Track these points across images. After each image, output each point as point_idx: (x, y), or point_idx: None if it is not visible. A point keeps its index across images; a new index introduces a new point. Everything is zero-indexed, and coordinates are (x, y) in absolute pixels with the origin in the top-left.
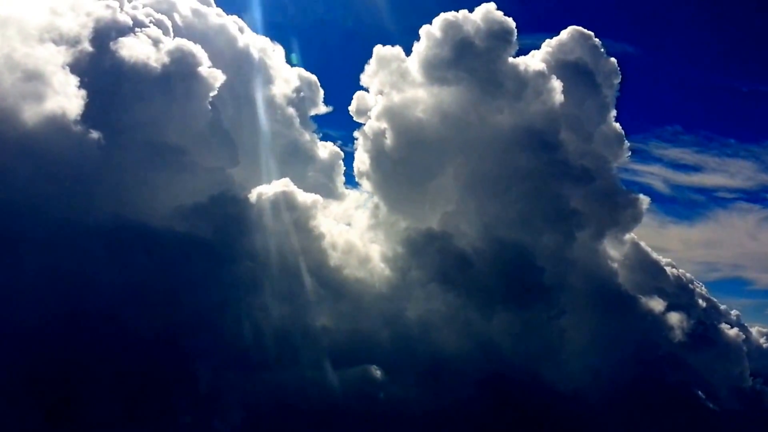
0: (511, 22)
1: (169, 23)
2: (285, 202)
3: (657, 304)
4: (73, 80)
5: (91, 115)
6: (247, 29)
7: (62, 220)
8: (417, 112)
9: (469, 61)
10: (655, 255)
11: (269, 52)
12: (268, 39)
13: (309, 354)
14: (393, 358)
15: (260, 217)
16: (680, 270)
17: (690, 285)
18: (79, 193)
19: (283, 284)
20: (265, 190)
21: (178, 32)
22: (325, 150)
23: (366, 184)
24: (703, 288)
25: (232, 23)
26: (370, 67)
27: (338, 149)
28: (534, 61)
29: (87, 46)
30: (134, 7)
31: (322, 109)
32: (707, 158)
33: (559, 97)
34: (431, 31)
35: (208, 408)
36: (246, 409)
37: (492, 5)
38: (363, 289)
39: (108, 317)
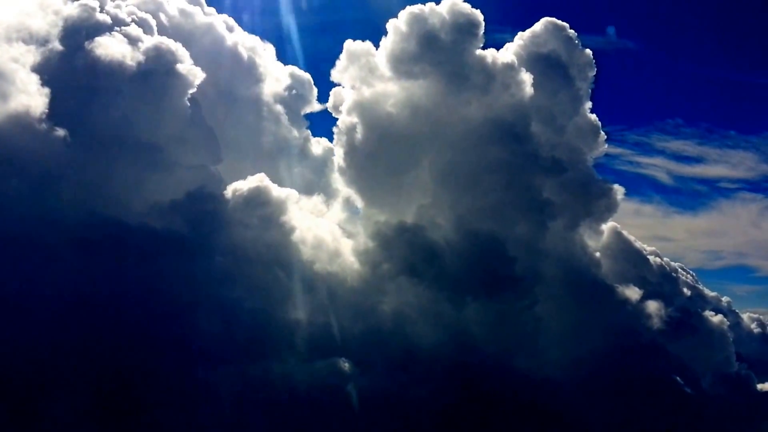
0: (477, 15)
1: (153, 22)
2: (259, 197)
3: (633, 293)
4: (35, 78)
5: (57, 113)
6: (237, 28)
7: (31, 217)
8: (387, 106)
9: (434, 55)
10: (638, 244)
11: (259, 50)
12: (258, 38)
13: (280, 348)
14: (364, 351)
15: (234, 212)
16: (665, 259)
17: (674, 274)
18: (47, 191)
19: (255, 279)
20: (240, 186)
21: (164, 31)
22: (319, 146)
23: (340, 179)
24: (689, 276)
25: (220, 22)
26: (341, 63)
27: (332, 145)
28: (503, 54)
29: (57, 45)
30: (117, 6)
31: (316, 106)
32: (709, 150)
33: (528, 89)
34: (397, 24)
35: (178, 402)
36: (214, 403)
37: None
38: (335, 283)
39: (78, 313)
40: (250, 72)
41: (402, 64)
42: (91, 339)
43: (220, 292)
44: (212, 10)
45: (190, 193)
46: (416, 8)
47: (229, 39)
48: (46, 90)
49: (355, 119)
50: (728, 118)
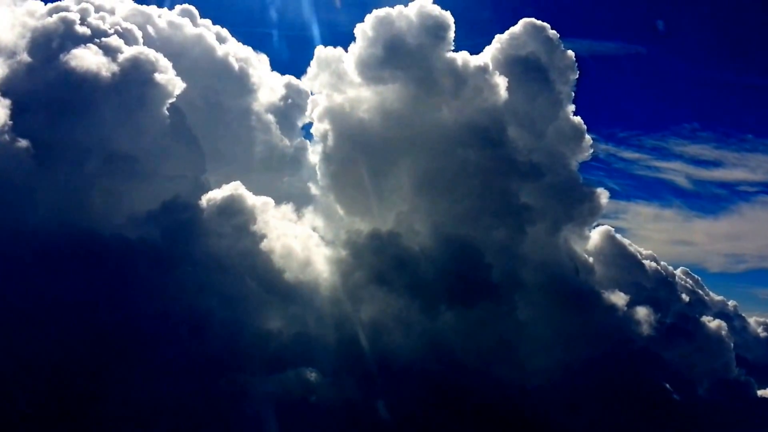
0: (447, 17)
1: (139, 33)
2: (233, 205)
3: (619, 299)
4: None
5: (22, 124)
6: (231, 39)
7: None
8: (359, 112)
9: (401, 59)
10: (632, 249)
11: (253, 61)
12: (250, 48)
13: (248, 359)
14: (335, 361)
15: (208, 221)
16: (662, 263)
17: (670, 278)
18: (12, 202)
19: (227, 288)
20: (214, 195)
21: (151, 42)
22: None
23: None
24: (689, 281)
25: (211, 34)
26: (311, 70)
27: None
28: (476, 57)
29: (25, 57)
30: (100, 18)
31: None
32: (726, 153)
33: (503, 93)
34: (364, 29)
35: (143, 415)
36: (177, 416)
37: None
38: (309, 292)
39: (44, 323)
40: (240, 82)
41: (370, 70)
42: (58, 350)
43: (192, 302)
44: (207, 21)
45: (165, 203)
46: (383, 11)
47: (220, 50)
48: (7, 102)
49: (327, 126)
50: (744, 121)
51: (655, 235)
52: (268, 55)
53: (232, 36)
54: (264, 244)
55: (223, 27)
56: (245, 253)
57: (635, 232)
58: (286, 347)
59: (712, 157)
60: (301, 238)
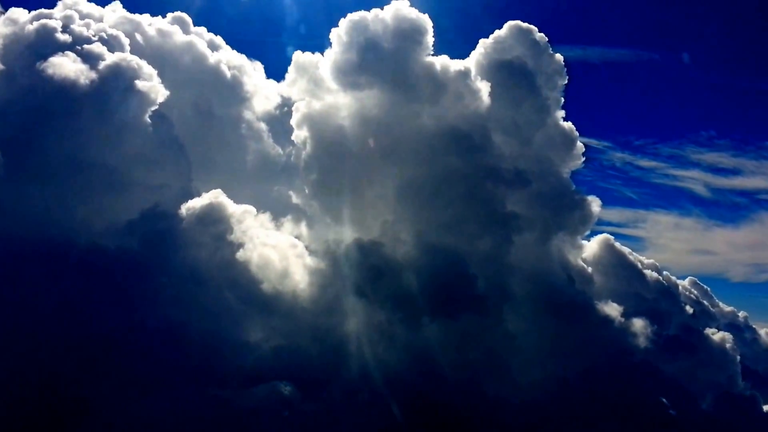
0: (424, 20)
1: (126, 41)
2: (212, 214)
3: (613, 310)
4: None
5: None
6: (224, 47)
7: None
8: (338, 118)
9: (376, 64)
10: (632, 258)
11: (247, 69)
12: (244, 56)
13: (227, 371)
14: (314, 375)
15: (187, 231)
16: (664, 273)
17: (672, 289)
18: None
19: (204, 299)
20: (194, 204)
21: (138, 50)
22: None
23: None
24: (694, 292)
25: (202, 41)
26: (289, 75)
27: None
28: (456, 61)
29: None
30: (85, 25)
31: None
32: (745, 161)
33: (485, 98)
34: (339, 33)
35: (115, 428)
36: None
37: (405, 2)
38: (288, 303)
39: (14, 335)
40: (232, 90)
41: (345, 75)
42: (31, 361)
43: (170, 313)
44: (201, 29)
45: (144, 213)
46: (357, 15)
47: (212, 58)
48: None
49: (306, 133)
50: (762, 128)
51: (675, 245)
52: (272, 64)
53: (235, 45)
54: (240, 254)
55: (219, 35)
56: (222, 263)
57: (654, 242)
58: (264, 360)
59: (731, 165)
60: (281, 248)
